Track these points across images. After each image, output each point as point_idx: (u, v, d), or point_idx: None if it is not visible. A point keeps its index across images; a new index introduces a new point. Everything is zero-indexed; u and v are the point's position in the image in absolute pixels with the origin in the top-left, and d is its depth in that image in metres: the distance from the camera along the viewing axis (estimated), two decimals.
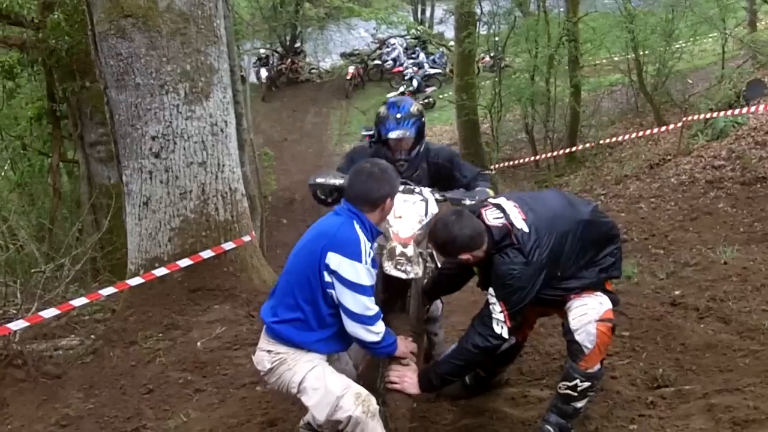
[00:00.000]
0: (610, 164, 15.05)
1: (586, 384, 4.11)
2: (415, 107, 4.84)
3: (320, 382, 3.73)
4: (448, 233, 3.99)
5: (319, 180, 4.53)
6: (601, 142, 15.90)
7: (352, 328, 3.73)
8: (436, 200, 4.58)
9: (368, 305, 3.68)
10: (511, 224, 4.05)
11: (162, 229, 7.36)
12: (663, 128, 13.83)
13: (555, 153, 16.79)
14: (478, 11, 18.64)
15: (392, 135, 4.76)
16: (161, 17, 6.99)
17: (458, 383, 5.01)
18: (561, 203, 4.35)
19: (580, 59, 16.87)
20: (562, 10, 17.83)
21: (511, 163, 17.41)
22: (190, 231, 7.39)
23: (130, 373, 6.29)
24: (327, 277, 3.66)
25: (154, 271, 6.95)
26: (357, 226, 3.70)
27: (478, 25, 18.87)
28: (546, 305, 4.30)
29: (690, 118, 12.66)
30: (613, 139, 15.53)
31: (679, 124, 12.71)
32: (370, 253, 3.68)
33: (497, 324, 3.98)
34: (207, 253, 7.15)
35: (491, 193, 4.71)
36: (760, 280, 5.86)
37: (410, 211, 4.32)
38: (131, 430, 5.36)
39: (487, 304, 4.05)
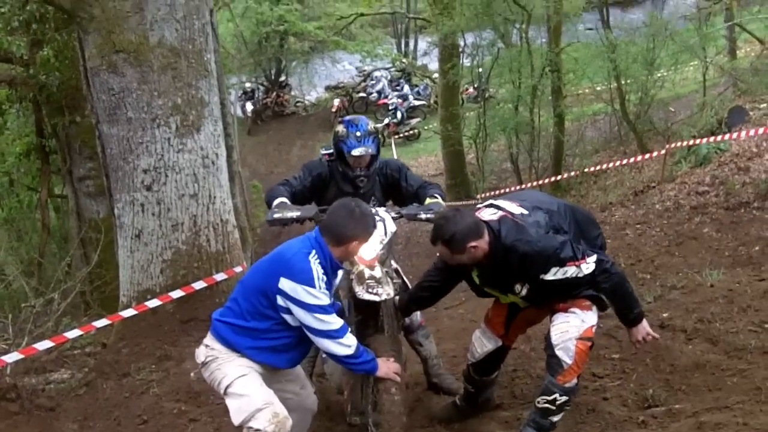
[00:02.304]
0: (595, 192, 15.15)
1: (564, 398, 4.24)
2: (371, 125, 5.06)
3: (246, 389, 3.88)
4: (453, 224, 4.08)
5: (276, 216, 4.68)
6: (586, 170, 16.00)
7: (323, 344, 3.92)
8: (393, 218, 4.69)
9: (330, 320, 3.85)
10: (512, 213, 4.19)
11: (154, 261, 7.42)
12: (647, 156, 13.97)
13: (540, 182, 16.89)
14: (462, 43, 18.82)
15: (355, 152, 4.96)
16: (152, 52, 7.10)
17: (450, 406, 5.08)
18: (541, 194, 4.71)
19: (563, 89, 17.03)
20: (544, 40, 18.01)
21: (496, 192, 17.46)
22: (182, 263, 7.44)
23: (124, 405, 6.33)
24: (280, 301, 3.83)
25: (146, 303, 6.97)
26: (313, 257, 3.85)
27: (461, 56, 19.05)
28: (547, 302, 4.38)
29: (673, 145, 12.81)
30: (598, 168, 15.66)
31: (663, 152, 12.84)
32: (323, 279, 3.83)
33: (587, 267, 4.10)
34: (199, 284, 7.20)
35: (443, 204, 4.85)
36: (746, 302, 5.93)
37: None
38: None
39: (572, 285, 4.16)
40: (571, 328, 4.22)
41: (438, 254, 4.38)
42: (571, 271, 4.06)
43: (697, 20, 18.09)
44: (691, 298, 6.26)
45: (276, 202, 4.83)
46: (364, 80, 31.43)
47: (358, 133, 4.95)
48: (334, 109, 29.03)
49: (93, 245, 10.15)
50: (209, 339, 4.07)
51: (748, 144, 11.63)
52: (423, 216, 4.70)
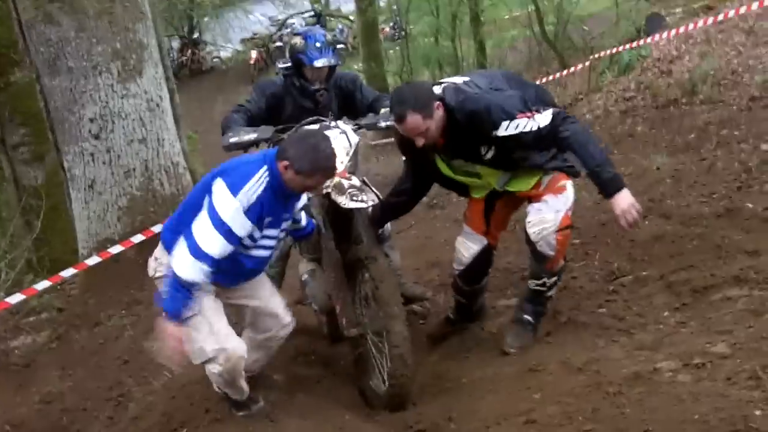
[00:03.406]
0: None
1: (554, 279, 4.39)
2: (329, 35, 4.98)
3: (198, 334, 3.83)
4: (414, 89, 4.21)
5: (233, 140, 4.55)
6: None
7: (178, 250, 3.64)
8: (353, 129, 4.64)
9: (210, 239, 3.58)
10: (453, 83, 4.25)
11: (110, 209, 7.40)
12: (571, 69, 14.14)
13: None
14: None
15: (318, 63, 4.89)
16: None
17: (443, 321, 5.11)
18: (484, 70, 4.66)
19: (482, 16, 17.14)
20: None
21: None
22: (137, 209, 7.44)
23: (102, 350, 6.38)
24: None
25: (109, 249, 6.95)
26: (262, 169, 3.68)
27: None
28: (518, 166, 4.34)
29: (596, 56, 13.04)
30: None
31: (587, 63, 13.08)
32: (252, 195, 3.62)
33: (542, 118, 4.06)
34: (158, 228, 7.16)
35: None
36: (693, 178, 6.19)
37: (335, 147, 4.30)
38: (117, 396, 5.46)
39: (534, 141, 4.11)
40: (547, 222, 4.21)
41: (404, 131, 4.17)
42: (523, 123, 4.02)
43: None
44: (640, 182, 6.43)
45: (230, 129, 4.70)
46: (279, 29, 31.03)
47: (318, 44, 4.87)
48: (252, 62, 28.71)
49: (35, 212, 9.98)
50: (159, 251, 3.97)
51: (668, 48, 11.92)
52: (382, 124, 4.66)
